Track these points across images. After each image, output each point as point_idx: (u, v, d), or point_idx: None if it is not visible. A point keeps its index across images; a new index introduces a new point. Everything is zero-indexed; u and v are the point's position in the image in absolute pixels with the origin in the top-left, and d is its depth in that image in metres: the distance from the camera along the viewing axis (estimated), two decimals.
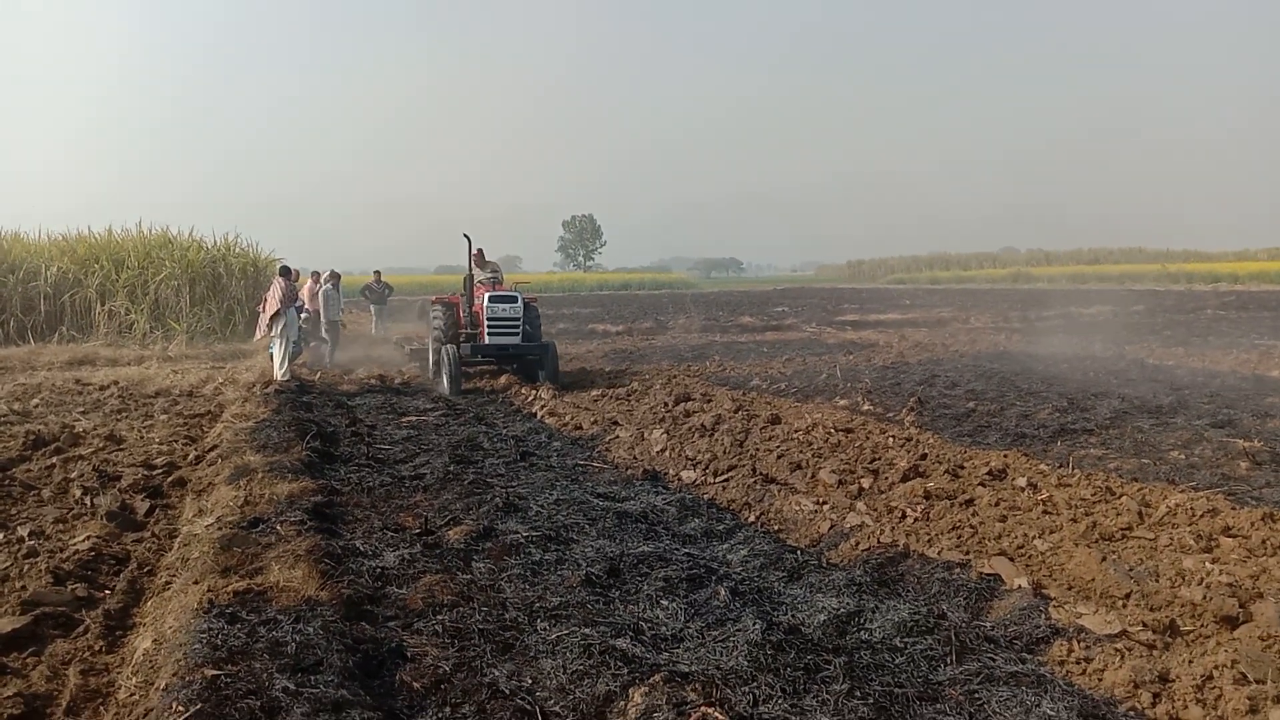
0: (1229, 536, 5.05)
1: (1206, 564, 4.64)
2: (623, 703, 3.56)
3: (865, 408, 10.77)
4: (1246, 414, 9.70)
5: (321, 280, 19.89)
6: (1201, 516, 5.36)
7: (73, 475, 7.61)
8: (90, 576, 5.19)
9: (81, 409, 11.89)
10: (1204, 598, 4.27)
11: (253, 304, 15.81)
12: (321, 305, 18.07)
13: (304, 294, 20.02)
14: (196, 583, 4.62)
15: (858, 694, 3.67)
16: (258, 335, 15.73)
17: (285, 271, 15.71)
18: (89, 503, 6.76)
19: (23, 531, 5.93)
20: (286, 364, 14.79)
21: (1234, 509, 5.40)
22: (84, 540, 5.73)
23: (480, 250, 15.85)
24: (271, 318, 14.66)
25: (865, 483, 6.83)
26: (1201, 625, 4.16)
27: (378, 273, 23.43)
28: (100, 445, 9.09)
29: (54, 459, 8.28)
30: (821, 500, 6.61)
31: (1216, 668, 3.70)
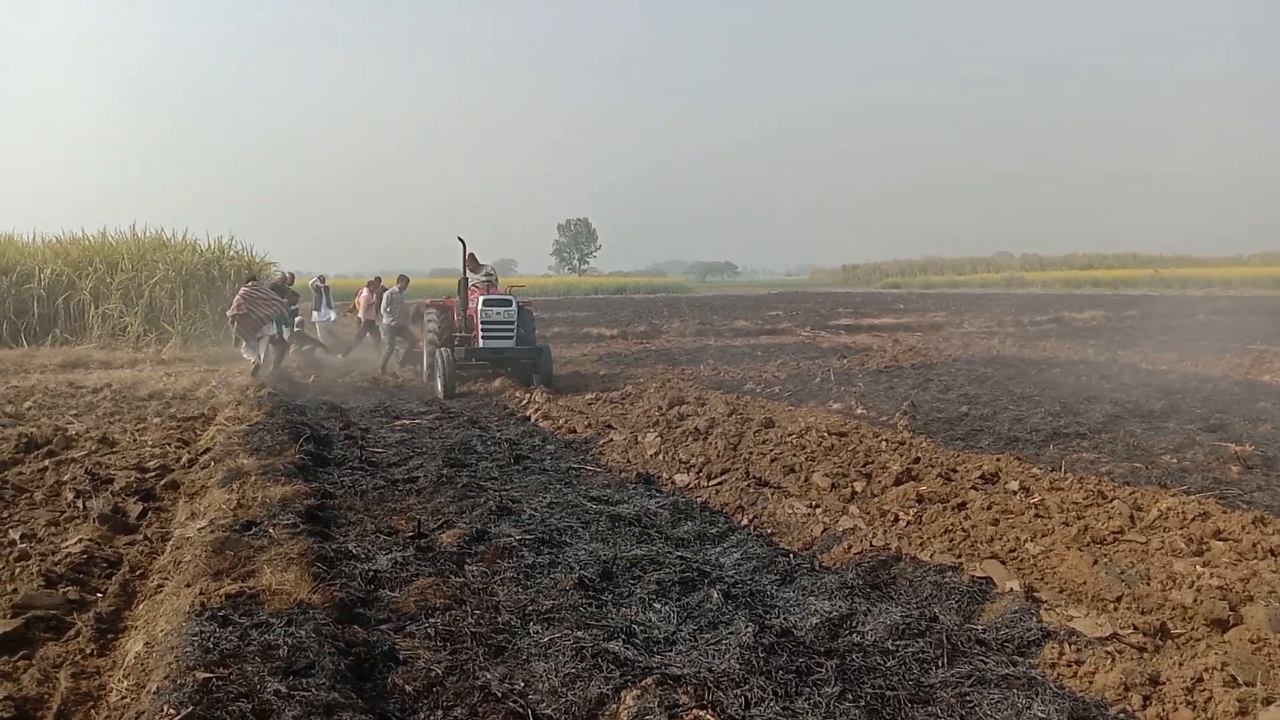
0: (1220, 540, 5.07)
1: (1197, 567, 4.66)
2: (615, 705, 3.56)
3: (859, 411, 10.78)
4: (1238, 418, 9.73)
5: (341, 282, 20.03)
6: (1193, 520, 5.38)
7: (65, 478, 7.59)
8: (82, 579, 5.18)
9: (74, 412, 11.87)
10: (1195, 601, 4.28)
11: (275, 300, 15.95)
12: (387, 310, 17.90)
13: (358, 302, 20.13)
14: (189, 586, 4.61)
15: (849, 696, 3.68)
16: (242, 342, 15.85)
17: (253, 279, 16.00)
18: (81, 505, 6.75)
19: (14, 534, 5.92)
20: (270, 365, 14.95)
21: (1225, 513, 5.42)
22: (76, 543, 5.71)
23: (473, 254, 15.87)
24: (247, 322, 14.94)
25: (858, 486, 6.84)
26: (1192, 628, 4.18)
27: (377, 278, 23.37)
28: (93, 448, 9.07)
29: (46, 462, 8.27)
30: (814, 504, 6.62)
31: (1206, 670, 3.71)
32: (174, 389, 14.50)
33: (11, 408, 12.05)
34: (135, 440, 9.72)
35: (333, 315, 20.76)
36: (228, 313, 16.04)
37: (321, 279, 21.03)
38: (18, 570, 5.21)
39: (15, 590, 4.87)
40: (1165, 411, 10.32)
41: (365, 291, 20.31)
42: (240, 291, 15.66)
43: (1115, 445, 8.49)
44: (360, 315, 20.02)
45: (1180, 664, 3.84)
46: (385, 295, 17.94)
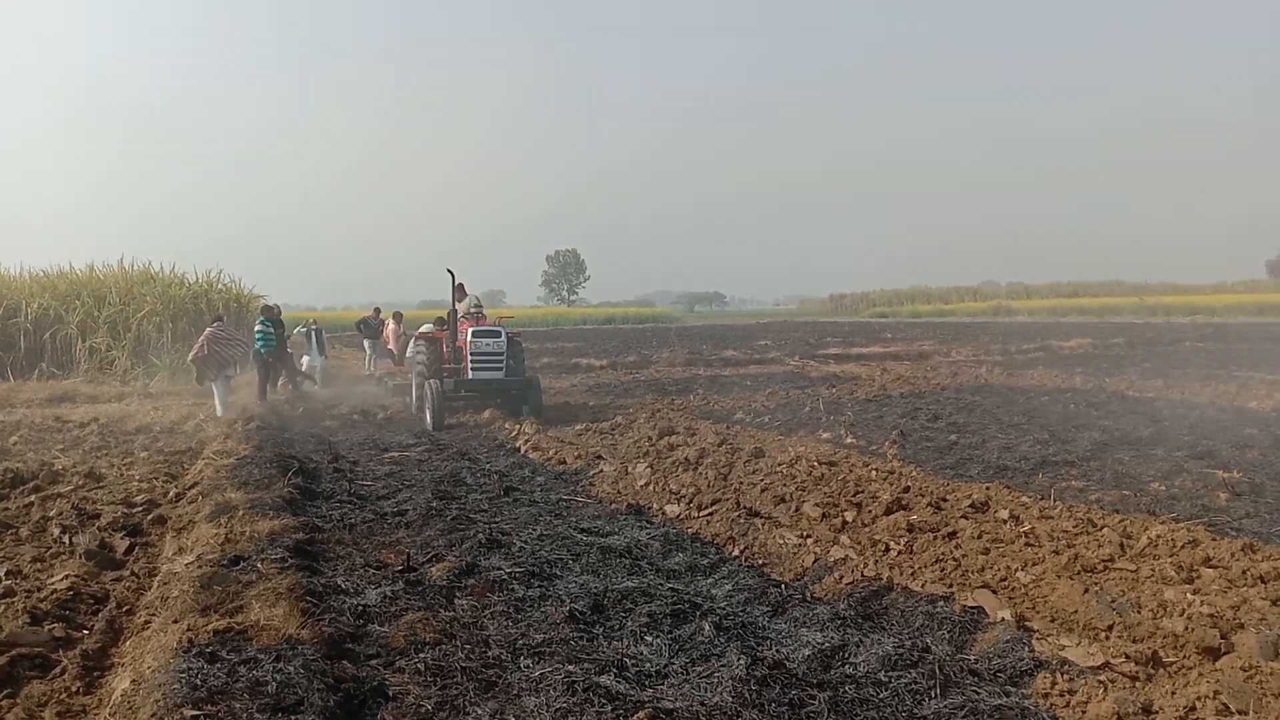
0: (1210, 567, 5.08)
1: (1188, 595, 4.67)
2: None
3: (848, 441, 10.80)
4: (1226, 445, 9.78)
5: (397, 321, 20.32)
6: (1182, 548, 5.39)
7: (51, 513, 7.53)
8: (68, 616, 5.12)
9: (61, 446, 11.79)
10: (1186, 629, 4.29)
11: (240, 340, 16.65)
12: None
13: (388, 334, 20.27)
14: (176, 622, 4.57)
15: None
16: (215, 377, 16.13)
17: (219, 319, 16.69)
18: (67, 541, 6.69)
19: None
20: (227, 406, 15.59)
21: (1214, 540, 5.43)
22: (62, 579, 5.66)
23: (460, 285, 15.89)
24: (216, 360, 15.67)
25: (849, 516, 6.84)
26: (1184, 656, 4.18)
27: (377, 309, 23.31)
28: (79, 483, 9.00)
29: (32, 497, 8.20)
30: (805, 534, 6.61)
31: (1199, 699, 3.71)
32: (161, 423, 14.43)
33: None
34: (122, 475, 9.65)
35: (322, 360, 20.64)
36: (188, 357, 16.54)
37: (313, 322, 20.99)
38: (2, 607, 5.15)
39: (0, 628, 4.82)
40: (1153, 439, 10.37)
41: (392, 324, 20.51)
42: (204, 333, 16.14)
43: (1104, 473, 8.52)
44: (391, 346, 20.22)
45: (1173, 693, 3.84)
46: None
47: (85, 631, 4.95)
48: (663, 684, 4.17)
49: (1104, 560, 5.35)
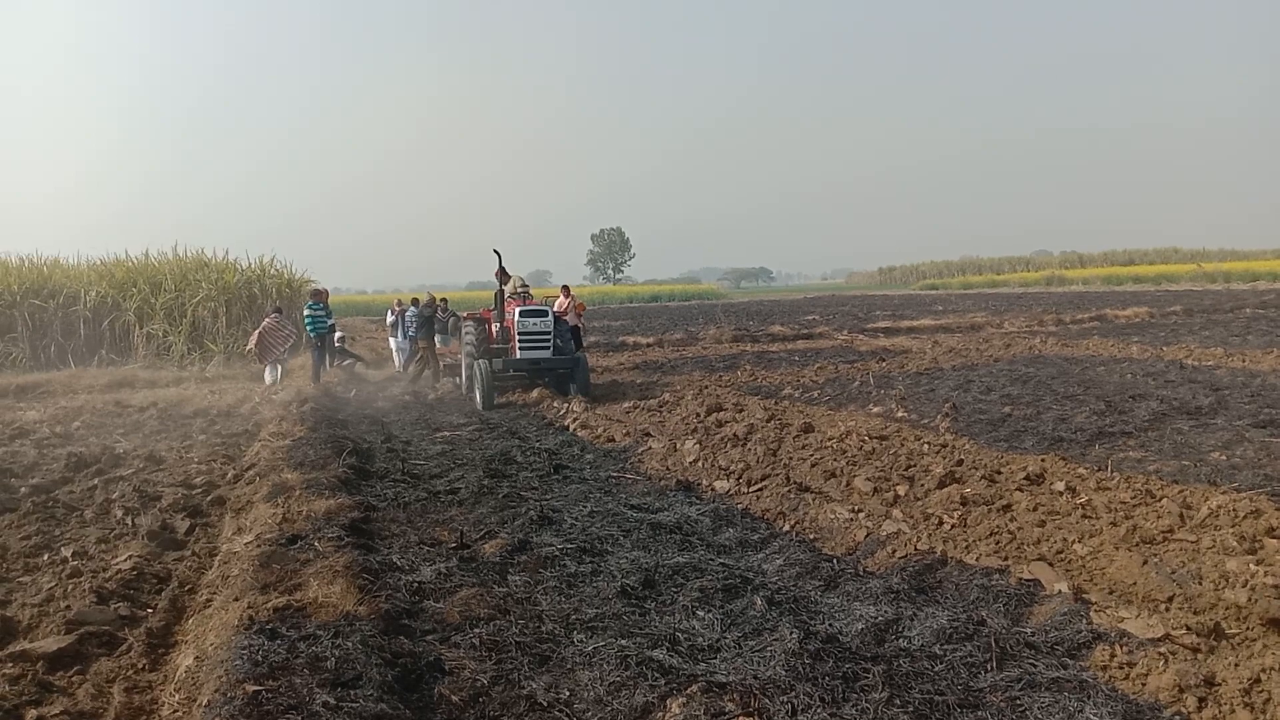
0: (1273, 538, 4.96)
1: (1251, 566, 4.56)
2: (660, 713, 3.55)
3: (899, 414, 10.70)
4: None
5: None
6: (1244, 518, 5.27)
7: (114, 496, 7.72)
8: (133, 595, 5.26)
9: (122, 431, 12.07)
10: (1249, 600, 4.19)
11: (290, 331, 17.90)
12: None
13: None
14: (237, 600, 4.66)
15: (897, 702, 3.64)
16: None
17: (278, 310, 18.62)
18: (130, 522, 6.85)
19: (66, 552, 6.03)
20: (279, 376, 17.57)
21: (1278, 510, 5.30)
22: (126, 559, 5.80)
23: (501, 269, 15.96)
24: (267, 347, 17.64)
25: (901, 490, 6.78)
26: (1247, 628, 4.09)
27: (440, 299, 23.22)
28: (140, 466, 9.22)
29: (95, 480, 8.41)
30: (857, 508, 6.57)
31: (1264, 671, 3.63)
32: (218, 406, 14.70)
33: (61, 428, 12.28)
34: (182, 457, 9.86)
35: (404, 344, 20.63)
36: (246, 346, 18.51)
37: (397, 304, 21.12)
38: (70, 587, 5.30)
39: (68, 607, 4.96)
40: (1213, 408, 10.13)
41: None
42: (262, 325, 17.94)
43: (1162, 443, 8.35)
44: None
45: (1236, 665, 3.77)
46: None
47: (149, 610, 5.08)
48: (715, 658, 4.18)
49: (1163, 531, 5.25)
